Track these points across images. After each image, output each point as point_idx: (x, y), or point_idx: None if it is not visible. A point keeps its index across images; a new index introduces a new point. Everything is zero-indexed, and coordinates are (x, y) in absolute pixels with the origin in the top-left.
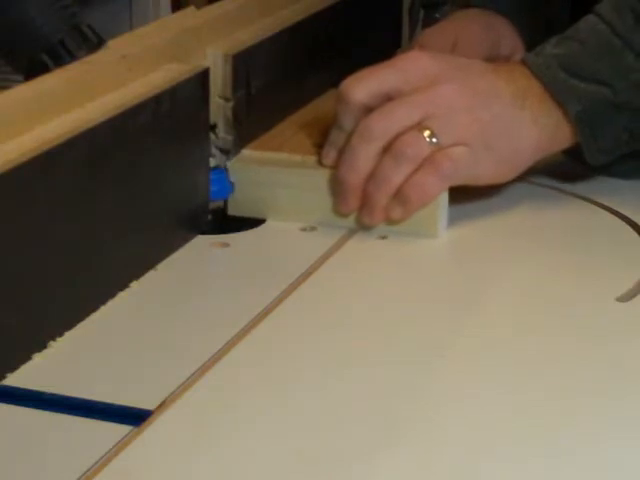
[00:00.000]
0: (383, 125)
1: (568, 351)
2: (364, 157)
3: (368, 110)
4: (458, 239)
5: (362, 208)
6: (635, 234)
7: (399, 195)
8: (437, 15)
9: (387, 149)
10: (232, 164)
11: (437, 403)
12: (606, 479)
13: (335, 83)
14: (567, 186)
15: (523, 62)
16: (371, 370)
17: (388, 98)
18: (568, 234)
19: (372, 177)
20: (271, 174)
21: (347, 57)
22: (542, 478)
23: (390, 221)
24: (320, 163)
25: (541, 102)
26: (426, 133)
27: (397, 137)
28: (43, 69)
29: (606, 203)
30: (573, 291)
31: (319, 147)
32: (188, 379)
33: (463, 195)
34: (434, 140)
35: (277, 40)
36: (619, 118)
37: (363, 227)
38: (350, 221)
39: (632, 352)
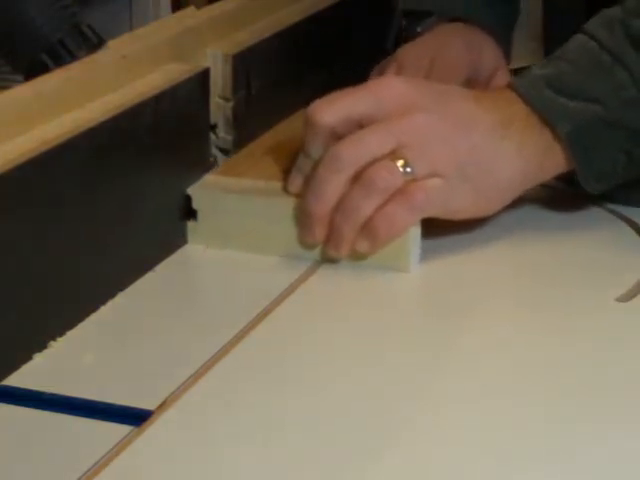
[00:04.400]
0: (353, 153)
1: (568, 351)
2: (332, 186)
3: (337, 136)
4: (455, 241)
5: (328, 240)
6: (635, 234)
7: (367, 227)
8: (418, 29)
9: (356, 178)
10: (193, 190)
11: (437, 403)
12: (606, 479)
13: (335, 83)
14: (567, 186)
15: (509, 86)
16: (371, 371)
17: (359, 125)
18: (568, 234)
19: (340, 207)
20: (233, 202)
21: (347, 57)
22: (542, 478)
23: (357, 255)
24: (285, 190)
25: (527, 127)
26: (399, 162)
27: (368, 166)
28: (43, 69)
29: (606, 203)
30: (573, 291)
31: (286, 173)
32: (188, 379)
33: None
34: (408, 170)
35: (277, 40)
36: (613, 137)
37: (329, 260)
38: (316, 253)
39: (632, 352)
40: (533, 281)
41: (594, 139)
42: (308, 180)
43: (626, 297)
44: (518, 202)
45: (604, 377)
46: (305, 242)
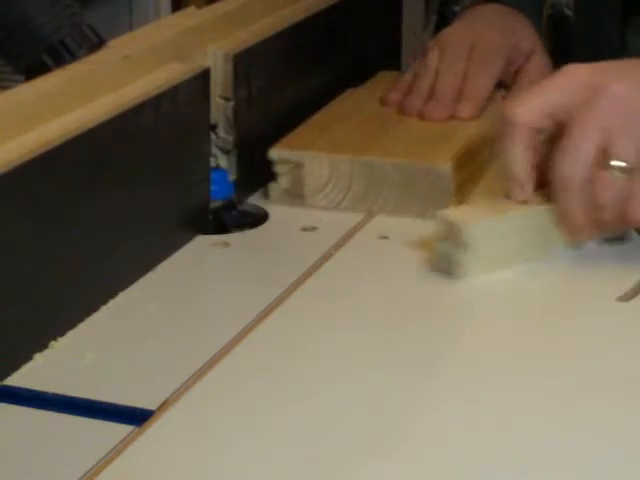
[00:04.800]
0: (573, 169)
1: (568, 351)
2: (570, 204)
3: (535, 132)
4: None
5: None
6: (635, 234)
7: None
8: (456, 8)
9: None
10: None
11: (437, 404)
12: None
13: (335, 83)
14: None
15: None
16: (371, 370)
17: (554, 119)
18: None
19: (592, 206)
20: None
21: (348, 57)
22: (542, 478)
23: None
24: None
25: None
26: (614, 164)
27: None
28: (44, 69)
29: None
30: (573, 291)
31: None
32: (189, 379)
33: None
34: (622, 165)
35: (278, 40)
36: None
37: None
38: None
39: (632, 352)
40: (533, 281)
41: None
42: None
43: (626, 297)
44: None
45: (604, 377)
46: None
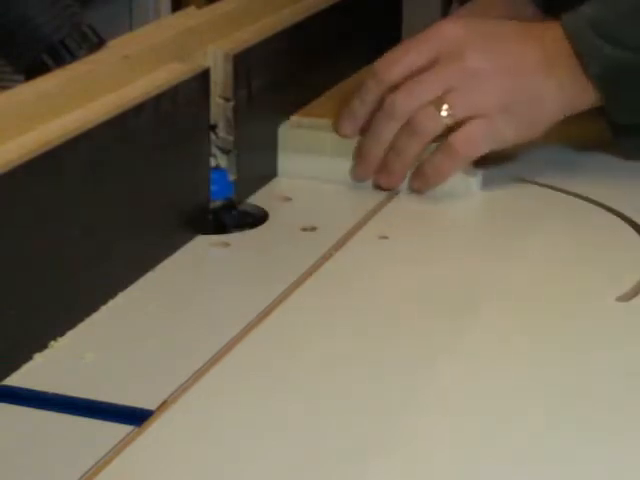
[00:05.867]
0: (405, 103)
1: (568, 351)
2: (386, 131)
3: (394, 87)
4: (457, 240)
5: (380, 173)
6: (635, 234)
7: (418, 172)
8: None
9: (406, 124)
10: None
11: (438, 403)
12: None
13: (336, 83)
14: (567, 186)
15: (559, 20)
16: (371, 370)
17: (418, 73)
18: (568, 234)
19: (392, 147)
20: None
21: (347, 56)
22: (542, 478)
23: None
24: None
25: (569, 66)
26: (444, 107)
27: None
28: (44, 69)
29: (606, 203)
30: (573, 291)
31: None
32: (189, 379)
33: None
34: (450, 112)
35: (278, 40)
36: None
37: (379, 188)
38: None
39: (632, 352)
40: (533, 280)
41: (625, 83)
42: (366, 123)
43: (626, 297)
44: (518, 201)
45: (604, 377)
46: (359, 176)
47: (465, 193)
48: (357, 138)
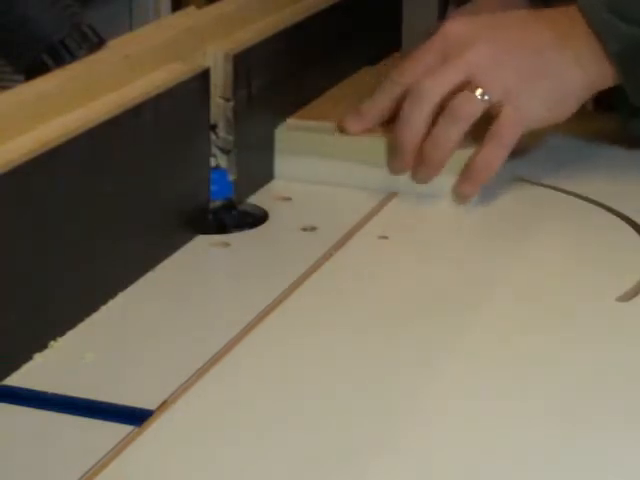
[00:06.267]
0: (433, 85)
1: (568, 351)
2: (419, 117)
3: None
4: (457, 240)
5: (419, 166)
6: (635, 234)
7: (469, 170)
8: None
9: (442, 109)
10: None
11: (438, 403)
12: (606, 478)
13: (336, 82)
14: (567, 186)
15: (577, 3)
16: (371, 370)
17: None
18: (568, 234)
19: (430, 137)
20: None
21: (347, 57)
22: (542, 478)
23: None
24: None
25: (585, 44)
26: (478, 92)
27: (449, 97)
28: (44, 69)
29: (606, 203)
30: (573, 291)
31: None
32: (189, 379)
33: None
34: (486, 97)
35: (278, 40)
36: None
37: (418, 181)
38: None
39: (632, 352)
40: (533, 280)
41: None
42: (397, 117)
43: (626, 297)
44: (518, 201)
45: (604, 377)
46: (395, 169)
47: None
48: (353, 140)
